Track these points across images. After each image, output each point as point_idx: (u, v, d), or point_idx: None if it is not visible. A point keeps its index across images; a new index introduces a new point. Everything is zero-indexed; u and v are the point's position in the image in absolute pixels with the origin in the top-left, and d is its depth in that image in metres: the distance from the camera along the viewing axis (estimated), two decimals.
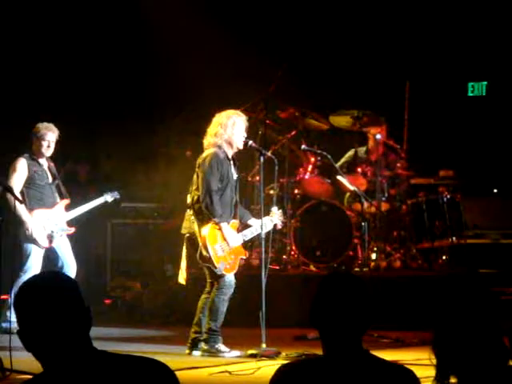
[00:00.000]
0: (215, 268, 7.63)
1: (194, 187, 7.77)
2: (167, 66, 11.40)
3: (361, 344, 3.03)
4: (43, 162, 8.86)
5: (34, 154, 8.82)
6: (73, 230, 8.99)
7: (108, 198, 9.28)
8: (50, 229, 8.76)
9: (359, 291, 3.05)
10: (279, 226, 8.32)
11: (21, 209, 8.53)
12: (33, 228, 8.63)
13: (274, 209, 8.20)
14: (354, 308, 3.01)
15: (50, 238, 8.76)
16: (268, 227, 8.01)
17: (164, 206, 11.56)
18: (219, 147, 7.75)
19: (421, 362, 6.48)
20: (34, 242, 8.65)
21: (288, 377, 2.99)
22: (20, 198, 8.42)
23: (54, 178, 8.94)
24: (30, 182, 8.75)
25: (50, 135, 8.76)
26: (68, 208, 8.97)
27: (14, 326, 6.40)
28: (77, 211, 9.03)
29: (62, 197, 8.95)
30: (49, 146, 8.78)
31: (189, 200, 7.82)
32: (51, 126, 8.79)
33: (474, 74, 12.00)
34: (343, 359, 2.99)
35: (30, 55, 11.30)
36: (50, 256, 8.80)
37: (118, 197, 9.41)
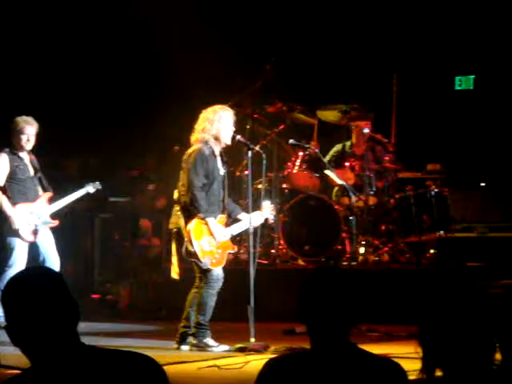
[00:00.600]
0: (201, 262, 7.64)
1: (181, 183, 7.78)
2: (154, 62, 11.39)
3: (348, 337, 3.04)
4: (24, 155, 8.82)
5: (14, 149, 8.77)
6: (56, 222, 8.95)
7: (90, 188, 9.23)
8: (34, 222, 8.72)
9: (346, 285, 3.05)
10: (271, 221, 8.32)
11: (4, 203, 8.53)
12: (17, 222, 8.60)
13: (266, 203, 8.20)
14: (341, 302, 3.01)
15: (34, 231, 8.73)
16: (258, 222, 8.01)
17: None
18: (206, 143, 7.75)
19: (409, 355, 6.50)
20: (18, 235, 8.63)
21: (276, 370, 3.00)
22: (3, 195, 8.45)
23: (36, 171, 8.89)
24: (11, 177, 8.71)
25: (30, 129, 8.71)
26: (51, 201, 8.94)
27: (1, 320, 6.39)
28: (60, 203, 9.00)
29: (44, 190, 8.92)
30: (28, 140, 8.73)
31: (175, 195, 7.83)
32: (30, 119, 8.75)
33: (461, 68, 12.03)
34: (330, 353, 2.99)
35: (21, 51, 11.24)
36: (33, 250, 8.77)
37: (99, 187, 9.34)
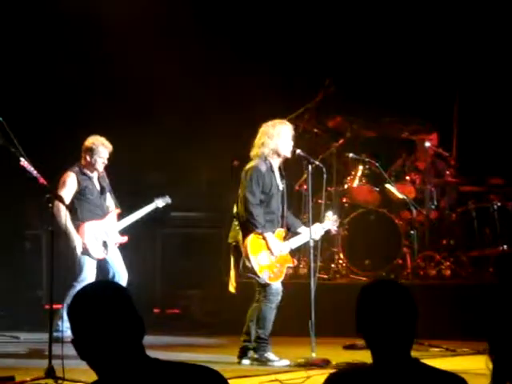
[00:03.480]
0: (258, 277, 7.65)
1: (239, 199, 7.80)
2: (212, 74, 11.44)
3: (409, 352, 3.01)
4: (93, 174, 8.79)
5: (84, 167, 8.73)
6: (125, 239, 8.99)
7: (159, 203, 9.21)
8: (102, 239, 8.76)
9: (404, 299, 3.03)
10: (333, 232, 8.29)
11: (70, 226, 8.47)
12: (82, 243, 8.60)
13: (329, 214, 8.17)
14: (400, 316, 2.99)
15: (103, 248, 8.76)
16: (318, 234, 7.99)
17: (212, 215, 11.59)
18: (265, 158, 7.76)
19: (472, 371, 6.43)
20: (87, 253, 8.68)
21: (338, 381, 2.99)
22: (65, 211, 8.44)
23: (104, 188, 8.90)
24: (80, 196, 8.70)
25: (107, 153, 8.67)
26: (120, 217, 8.99)
27: (67, 334, 6.46)
28: (128, 219, 8.99)
29: (112, 207, 8.96)
30: (103, 163, 8.71)
31: (235, 210, 7.86)
32: (106, 142, 8.67)
33: None
34: (392, 367, 2.97)
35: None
36: (102, 267, 8.82)
37: (169, 201, 9.31)
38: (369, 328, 3.00)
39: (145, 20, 11.15)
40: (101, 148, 8.63)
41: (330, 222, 8.10)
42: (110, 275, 8.75)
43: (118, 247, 8.96)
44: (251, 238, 7.65)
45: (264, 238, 7.69)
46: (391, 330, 2.97)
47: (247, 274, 7.69)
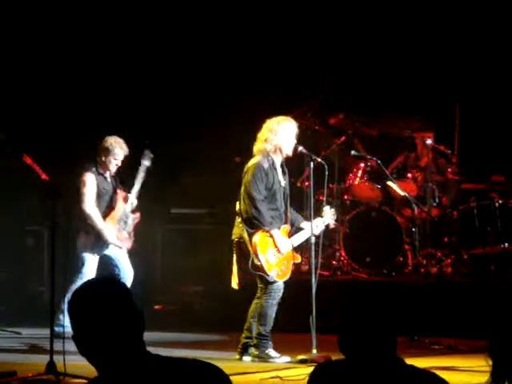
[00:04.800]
0: (267, 276, 7.65)
1: (242, 196, 7.79)
2: (219, 71, 11.45)
3: (394, 353, 3.05)
4: (107, 175, 8.79)
5: (100, 168, 8.72)
6: (137, 215, 8.95)
7: (146, 162, 8.98)
8: (123, 228, 8.79)
9: (380, 309, 3.06)
10: (332, 225, 8.31)
11: (97, 219, 8.60)
12: (111, 234, 8.67)
13: (326, 208, 8.18)
14: (379, 327, 3.04)
15: (127, 237, 8.81)
16: (319, 228, 7.99)
17: (214, 212, 11.59)
18: (267, 154, 7.76)
19: (473, 368, 6.43)
20: (89, 250, 8.69)
21: (323, 374, 3.02)
22: (96, 210, 8.58)
23: (115, 189, 8.87)
24: (97, 197, 8.71)
25: (123, 155, 8.67)
26: (126, 198, 8.89)
27: (68, 330, 6.48)
28: (134, 193, 8.90)
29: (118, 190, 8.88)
30: (117, 164, 8.71)
31: (237, 207, 7.85)
32: (122, 142, 8.66)
33: None
34: (372, 363, 3.01)
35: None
36: (108, 263, 8.81)
37: (151, 155, 9.03)
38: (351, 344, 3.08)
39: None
40: (117, 150, 8.63)
41: (328, 215, 8.11)
42: (116, 273, 8.75)
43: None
44: (259, 236, 7.65)
45: (271, 236, 7.70)
46: (373, 342, 3.03)
47: (256, 273, 7.67)
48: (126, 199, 8.92)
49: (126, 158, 8.76)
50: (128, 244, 8.88)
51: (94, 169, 8.73)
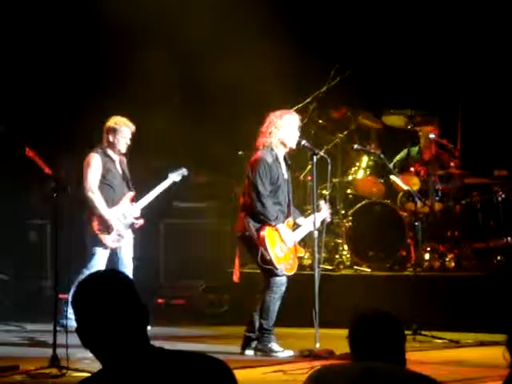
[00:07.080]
0: (276, 269, 7.66)
1: (246, 190, 7.79)
2: (218, 64, 11.41)
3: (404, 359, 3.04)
4: (115, 157, 8.54)
5: (108, 149, 8.48)
6: (141, 222, 8.68)
7: (174, 177, 8.86)
8: (118, 228, 8.48)
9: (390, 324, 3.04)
10: (329, 219, 8.31)
11: (99, 203, 8.36)
12: (114, 224, 8.44)
13: (321, 202, 8.20)
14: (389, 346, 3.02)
15: (118, 238, 8.53)
16: (317, 223, 8.00)
17: (216, 205, 11.59)
18: (271, 148, 7.76)
19: (475, 362, 6.44)
20: (100, 244, 8.48)
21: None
22: (98, 193, 8.35)
23: (124, 173, 8.65)
24: (103, 179, 8.46)
25: (130, 133, 8.43)
26: (134, 200, 8.67)
27: (72, 323, 6.47)
28: (145, 200, 8.69)
29: (128, 189, 8.66)
30: (126, 143, 8.47)
31: (241, 201, 7.85)
32: (128, 121, 8.42)
33: None
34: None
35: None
36: (111, 258, 8.64)
37: (185, 173, 8.93)
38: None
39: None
40: (124, 128, 8.41)
41: (324, 210, 8.12)
42: (115, 265, 8.63)
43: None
44: (267, 231, 7.65)
45: (277, 230, 7.70)
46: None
47: (265, 267, 7.66)
48: (132, 200, 8.68)
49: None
50: (114, 245, 8.53)
51: (100, 150, 8.49)
